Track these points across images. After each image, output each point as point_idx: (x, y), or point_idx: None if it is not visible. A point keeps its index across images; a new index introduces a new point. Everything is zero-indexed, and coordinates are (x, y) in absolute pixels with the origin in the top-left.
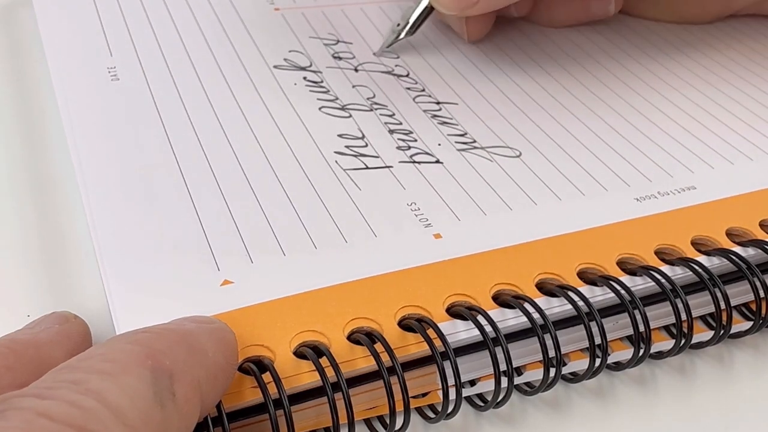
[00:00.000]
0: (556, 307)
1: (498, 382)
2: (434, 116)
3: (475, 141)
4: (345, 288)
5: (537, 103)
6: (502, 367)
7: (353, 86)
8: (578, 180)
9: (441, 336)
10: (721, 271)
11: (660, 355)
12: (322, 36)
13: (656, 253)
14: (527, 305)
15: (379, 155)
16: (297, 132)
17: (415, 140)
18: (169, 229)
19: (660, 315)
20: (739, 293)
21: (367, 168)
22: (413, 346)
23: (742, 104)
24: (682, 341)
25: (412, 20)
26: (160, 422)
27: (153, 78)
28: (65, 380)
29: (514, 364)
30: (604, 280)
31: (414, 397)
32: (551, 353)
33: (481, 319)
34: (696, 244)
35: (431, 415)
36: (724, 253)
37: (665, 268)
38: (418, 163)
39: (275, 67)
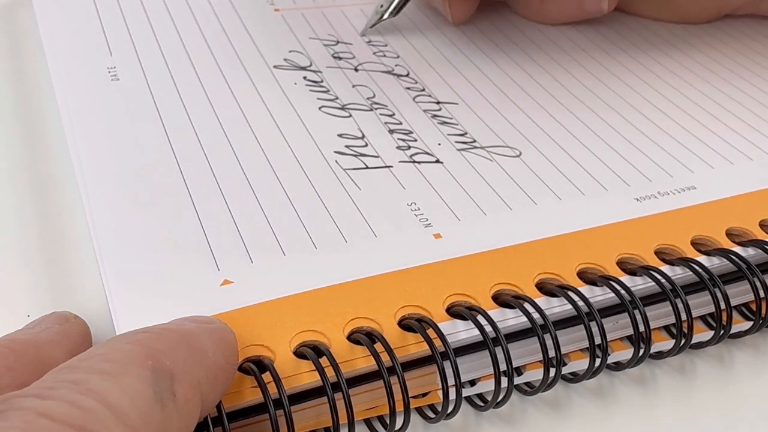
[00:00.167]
0: (556, 307)
1: (498, 382)
2: (434, 116)
3: (475, 141)
4: (345, 288)
5: (537, 102)
6: (502, 367)
7: (353, 86)
8: (578, 180)
9: (441, 336)
10: (721, 271)
11: (660, 355)
12: (322, 36)
13: (656, 253)
14: (527, 305)
15: (379, 155)
16: (297, 132)
17: (415, 140)
18: (169, 229)
19: (660, 315)
20: (739, 293)
21: (367, 168)
22: (413, 346)
23: (742, 104)
24: (682, 341)
25: (395, 1)
26: (160, 422)
27: (153, 78)
28: (65, 380)
29: (514, 364)
30: (604, 280)
31: (414, 397)
32: (551, 353)
33: (481, 319)
34: (696, 244)
35: (431, 415)
36: (724, 253)
37: (665, 268)
38: (418, 162)
39: (275, 66)
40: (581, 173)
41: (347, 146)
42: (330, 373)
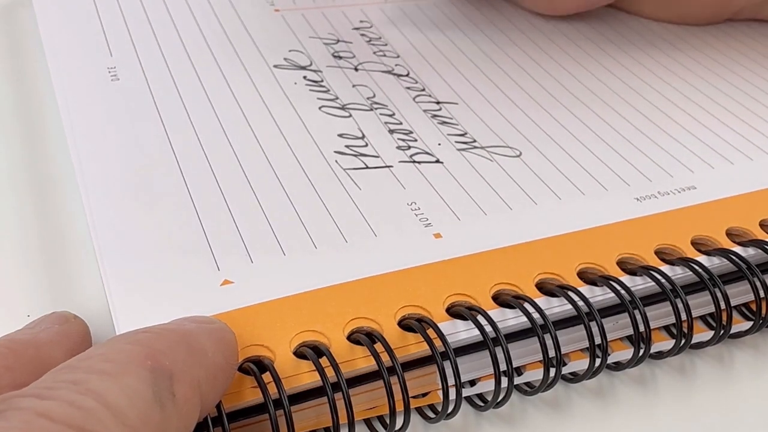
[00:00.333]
0: (556, 307)
1: (498, 382)
2: (434, 116)
3: (475, 141)
4: (345, 288)
5: (537, 102)
6: (502, 367)
7: (353, 86)
8: (578, 179)
9: (441, 336)
10: (721, 271)
11: (660, 355)
12: (322, 35)
13: (656, 252)
14: (527, 305)
15: (379, 155)
16: (297, 131)
17: (415, 140)
18: (169, 228)
19: (660, 315)
20: (739, 293)
21: (367, 168)
22: (413, 346)
23: (742, 104)
24: (682, 341)
25: None
26: (159, 422)
27: (153, 78)
28: (65, 380)
29: (514, 364)
30: (604, 280)
31: (414, 397)
32: (551, 353)
33: (481, 319)
34: (696, 244)
35: (431, 415)
36: (724, 253)
37: (665, 268)
38: (418, 162)
39: (275, 66)
40: (581, 173)
41: (347, 146)
42: (330, 373)
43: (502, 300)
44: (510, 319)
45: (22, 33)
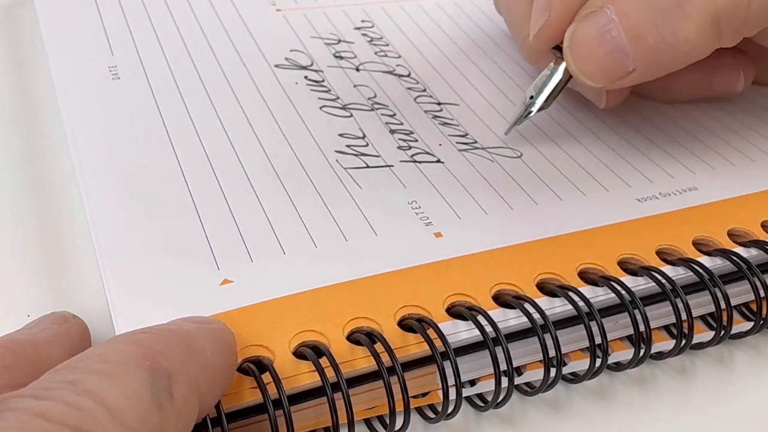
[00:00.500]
0: (556, 307)
1: (498, 382)
2: (435, 117)
3: (476, 142)
4: (345, 287)
5: None
6: (503, 367)
7: (354, 86)
8: (579, 180)
9: (441, 336)
10: (721, 272)
11: (660, 356)
12: (324, 36)
13: (657, 253)
14: (527, 305)
15: (379, 154)
16: (298, 131)
17: (416, 140)
18: (169, 228)
19: (660, 315)
20: (740, 293)
21: (368, 167)
22: (413, 346)
23: (742, 106)
24: (683, 341)
25: (547, 92)
26: (157, 423)
27: (154, 77)
28: (63, 381)
29: (515, 364)
30: (605, 280)
31: (414, 397)
32: (551, 353)
33: (481, 319)
34: (697, 245)
35: (431, 415)
36: (724, 253)
37: (666, 268)
38: (419, 162)
39: (276, 66)
40: (582, 174)
41: (348, 146)
42: (330, 373)
43: (502, 300)
44: (510, 319)
45: (23, 33)
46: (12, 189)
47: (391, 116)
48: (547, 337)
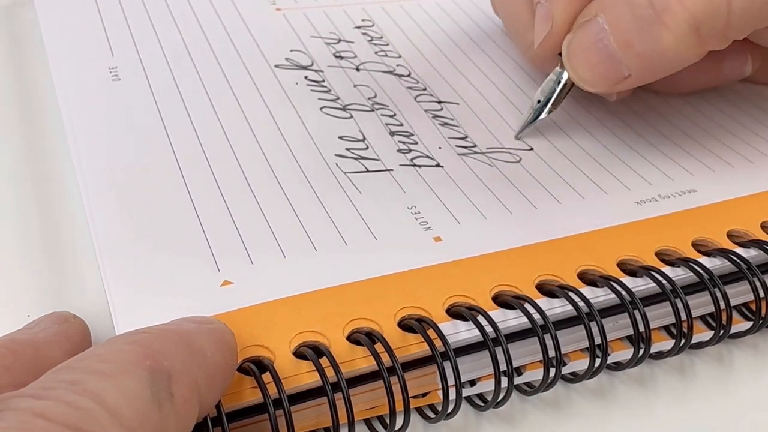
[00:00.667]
0: (556, 308)
1: (498, 382)
2: (435, 116)
3: (475, 146)
4: (345, 289)
5: None
6: (502, 367)
7: (355, 86)
8: (578, 183)
9: (441, 336)
10: (721, 272)
11: (660, 355)
12: (324, 35)
13: (657, 254)
14: (527, 305)
15: (379, 158)
16: (298, 133)
17: (416, 143)
18: (169, 229)
19: (660, 315)
20: (739, 293)
21: (368, 171)
22: (413, 347)
23: (741, 108)
24: (682, 341)
25: (554, 97)
26: (157, 423)
27: (154, 78)
28: (63, 380)
29: (514, 364)
30: (604, 280)
31: (414, 397)
32: (551, 353)
33: (481, 319)
34: (696, 246)
35: (431, 415)
36: (723, 253)
37: (665, 269)
38: (419, 166)
39: (276, 66)
40: (581, 177)
41: (348, 149)
42: (330, 373)
43: (502, 300)
44: (510, 320)
45: (23, 33)
46: (12, 189)
47: (391, 116)
48: (547, 338)
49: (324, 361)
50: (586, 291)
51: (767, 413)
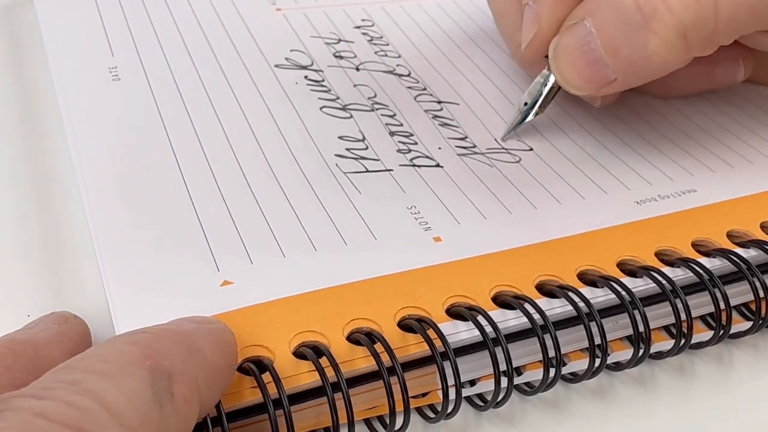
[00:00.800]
0: (556, 308)
1: (498, 382)
2: (435, 117)
3: (475, 146)
4: (344, 289)
5: None
6: (502, 367)
7: (354, 85)
8: (578, 183)
9: (441, 336)
10: (721, 272)
11: (660, 355)
12: (324, 35)
13: (656, 254)
14: (527, 305)
15: (379, 158)
16: (298, 133)
17: (416, 143)
18: (169, 229)
19: (660, 315)
20: (739, 293)
21: (368, 171)
22: (413, 347)
23: (741, 108)
24: (682, 341)
25: (540, 99)
26: (158, 422)
27: (154, 78)
28: (63, 380)
29: (514, 364)
30: (604, 280)
31: (414, 397)
32: (551, 353)
33: (481, 319)
34: (696, 246)
35: (431, 415)
36: (723, 253)
37: (665, 269)
38: (419, 166)
39: (276, 66)
40: (581, 177)
41: (348, 149)
42: (330, 373)
43: (501, 300)
44: (510, 320)
45: (23, 33)
46: (12, 189)
47: (391, 117)
48: (547, 338)
49: (324, 361)
50: (586, 291)
51: (767, 413)
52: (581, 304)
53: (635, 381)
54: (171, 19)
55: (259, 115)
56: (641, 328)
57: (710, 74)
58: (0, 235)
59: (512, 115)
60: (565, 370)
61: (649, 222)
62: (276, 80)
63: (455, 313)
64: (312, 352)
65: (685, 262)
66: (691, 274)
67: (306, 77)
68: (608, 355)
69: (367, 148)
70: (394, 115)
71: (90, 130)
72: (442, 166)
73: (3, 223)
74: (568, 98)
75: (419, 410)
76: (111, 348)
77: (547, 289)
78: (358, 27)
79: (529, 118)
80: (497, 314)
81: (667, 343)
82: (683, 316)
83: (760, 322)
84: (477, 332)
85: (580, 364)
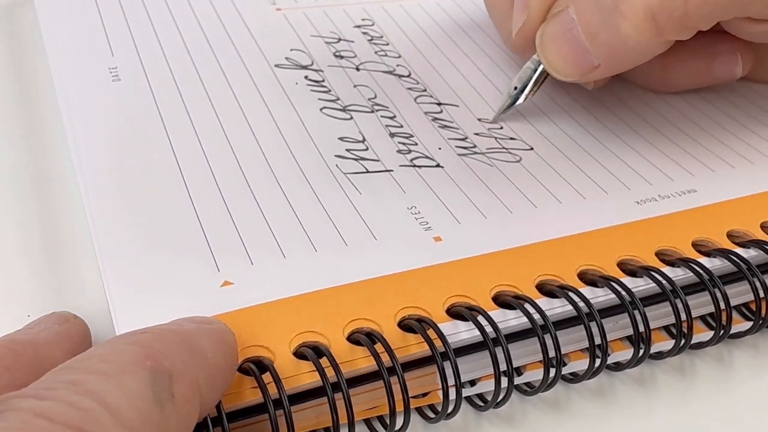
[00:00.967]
0: (556, 308)
1: (498, 382)
2: (435, 119)
3: (475, 146)
4: (345, 289)
5: (537, 106)
6: (502, 367)
7: (355, 86)
8: (578, 183)
9: (441, 336)
10: (721, 272)
11: (660, 356)
12: (324, 35)
13: (657, 254)
14: (527, 305)
15: (379, 159)
16: (298, 134)
17: (416, 144)
18: (169, 229)
19: (660, 315)
20: (739, 293)
21: (368, 171)
22: (413, 347)
23: (741, 108)
24: (682, 341)
25: (530, 84)
26: (158, 423)
27: (154, 78)
28: (64, 381)
29: (514, 364)
30: (605, 280)
31: (414, 397)
32: (551, 353)
33: (481, 319)
34: (696, 246)
35: (431, 415)
36: (723, 253)
37: (665, 269)
38: (419, 167)
39: (276, 66)
40: (581, 177)
41: (348, 150)
42: (330, 373)
43: (502, 300)
44: (510, 320)
45: (24, 33)
46: (12, 189)
47: (391, 118)
48: (547, 338)
49: (324, 361)
50: (586, 291)
51: (767, 413)
52: (581, 304)
53: (635, 381)
54: (171, 19)
55: (259, 115)
56: (641, 328)
57: (708, 69)
58: (0, 235)
59: (502, 99)
60: (565, 370)
61: (650, 222)
62: (276, 80)
63: (455, 313)
64: (312, 352)
65: (685, 262)
66: (692, 274)
67: (306, 77)
68: (608, 355)
69: (367, 149)
70: (394, 116)
71: (90, 130)
72: (442, 167)
73: (3, 223)
74: (568, 98)
75: (419, 410)
76: (111, 348)
77: (547, 289)
78: (359, 26)
79: (520, 101)
80: (497, 314)
81: (668, 343)
82: (683, 316)
83: (761, 322)
84: (477, 332)
85: (580, 364)
